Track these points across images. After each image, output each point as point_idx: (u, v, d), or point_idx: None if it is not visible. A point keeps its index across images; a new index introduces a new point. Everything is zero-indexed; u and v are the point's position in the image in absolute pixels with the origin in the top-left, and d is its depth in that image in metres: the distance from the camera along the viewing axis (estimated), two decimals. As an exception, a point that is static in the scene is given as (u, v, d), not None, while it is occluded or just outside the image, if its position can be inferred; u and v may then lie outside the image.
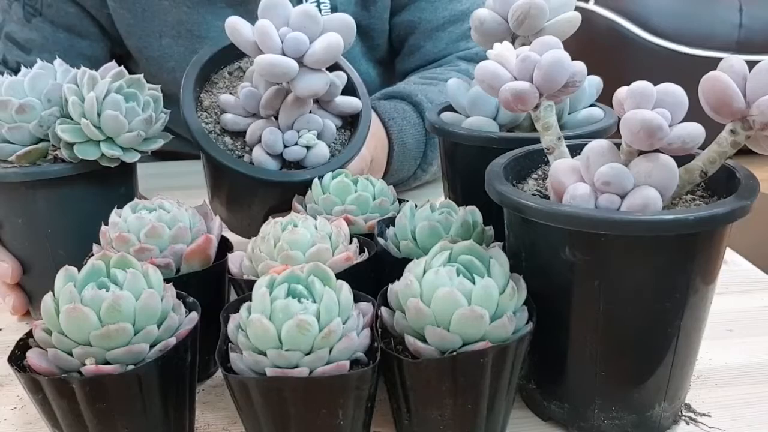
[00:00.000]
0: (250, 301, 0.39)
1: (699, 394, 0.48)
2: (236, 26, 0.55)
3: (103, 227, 0.49)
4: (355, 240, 0.49)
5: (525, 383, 0.46)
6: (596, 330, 0.40)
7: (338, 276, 0.41)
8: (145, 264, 0.42)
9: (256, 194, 0.62)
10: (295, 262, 0.44)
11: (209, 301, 0.46)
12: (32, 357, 0.39)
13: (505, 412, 0.42)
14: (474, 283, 0.39)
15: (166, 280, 0.43)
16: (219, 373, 0.51)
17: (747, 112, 0.36)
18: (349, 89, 0.63)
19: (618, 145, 0.40)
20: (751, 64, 0.36)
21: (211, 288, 0.49)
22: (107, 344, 0.38)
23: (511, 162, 0.46)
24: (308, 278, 0.40)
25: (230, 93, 0.63)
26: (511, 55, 0.42)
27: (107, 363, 0.38)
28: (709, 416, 0.45)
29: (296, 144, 0.59)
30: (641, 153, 0.39)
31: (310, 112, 0.60)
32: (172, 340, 0.40)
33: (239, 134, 0.61)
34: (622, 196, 0.38)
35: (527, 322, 0.41)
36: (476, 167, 0.47)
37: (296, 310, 0.37)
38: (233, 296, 0.50)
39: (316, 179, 0.56)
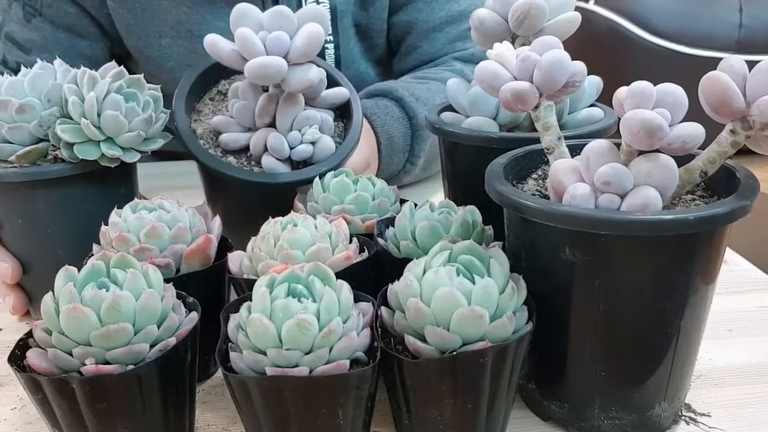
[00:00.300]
0: (250, 300, 0.39)
1: (699, 394, 0.48)
2: (215, 43, 0.56)
3: (103, 227, 0.49)
4: (354, 239, 0.49)
5: (525, 383, 0.46)
6: (596, 330, 0.40)
7: (338, 275, 0.41)
8: (145, 264, 0.42)
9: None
10: (294, 262, 0.44)
11: (209, 301, 0.46)
12: (32, 357, 0.39)
13: (505, 412, 0.42)
14: (474, 283, 0.39)
15: (166, 280, 0.43)
16: (219, 373, 0.51)
17: (747, 112, 0.36)
18: (332, 82, 0.64)
19: (618, 145, 0.40)
20: (751, 64, 0.36)
21: (211, 288, 0.49)
22: (107, 344, 0.38)
23: (511, 162, 0.46)
24: (308, 278, 0.40)
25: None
26: (511, 55, 0.42)
27: (107, 363, 0.38)
28: (709, 416, 0.45)
29: (301, 143, 0.59)
30: (641, 153, 0.39)
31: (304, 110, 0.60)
32: (172, 340, 0.40)
33: (240, 152, 0.61)
34: (622, 196, 0.38)
35: (527, 322, 0.41)
36: (476, 167, 0.47)
37: (296, 310, 0.37)
38: (233, 296, 0.50)
39: (317, 179, 0.56)
